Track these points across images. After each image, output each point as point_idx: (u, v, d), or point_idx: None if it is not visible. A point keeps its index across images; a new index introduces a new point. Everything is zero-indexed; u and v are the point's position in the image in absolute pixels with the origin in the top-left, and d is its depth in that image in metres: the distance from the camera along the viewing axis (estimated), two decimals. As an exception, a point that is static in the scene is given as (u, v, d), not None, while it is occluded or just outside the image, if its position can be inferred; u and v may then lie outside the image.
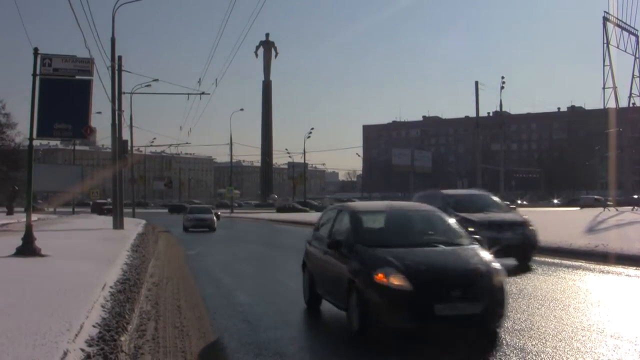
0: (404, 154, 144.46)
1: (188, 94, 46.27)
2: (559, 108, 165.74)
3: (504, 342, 7.92)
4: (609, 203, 61.28)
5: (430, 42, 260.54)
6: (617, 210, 55.74)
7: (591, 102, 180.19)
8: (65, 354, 6.34)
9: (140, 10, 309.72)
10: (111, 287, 11.07)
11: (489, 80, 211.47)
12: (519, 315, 9.54)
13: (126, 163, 39.17)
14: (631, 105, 64.76)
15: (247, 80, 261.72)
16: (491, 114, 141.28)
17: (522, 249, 16.44)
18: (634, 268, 15.48)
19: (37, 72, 17.08)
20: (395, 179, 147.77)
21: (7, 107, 62.52)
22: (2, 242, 20.31)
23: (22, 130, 60.58)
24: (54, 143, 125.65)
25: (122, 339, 8.07)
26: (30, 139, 17.50)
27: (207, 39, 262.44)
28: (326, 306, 10.13)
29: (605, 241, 20.12)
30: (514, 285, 12.64)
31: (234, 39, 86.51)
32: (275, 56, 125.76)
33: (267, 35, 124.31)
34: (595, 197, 78.76)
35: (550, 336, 8.23)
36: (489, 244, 10.17)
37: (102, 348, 7.19)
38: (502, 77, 77.65)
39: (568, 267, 16.18)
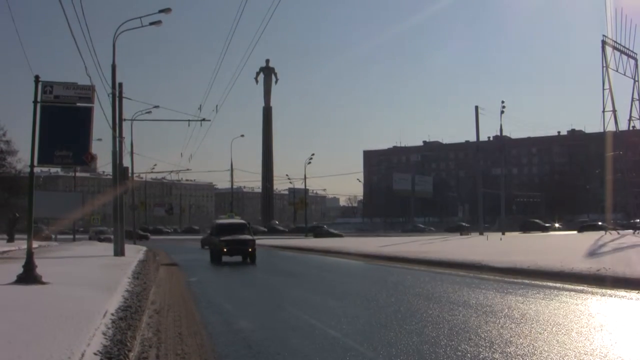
0: (404, 179, 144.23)
1: (189, 120, 46.30)
2: (559, 132, 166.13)
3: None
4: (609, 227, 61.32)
5: (429, 67, 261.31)
6: (618, 233, 55.70)
7: (591, 125, 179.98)
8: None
9: (141, 37, 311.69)
10: (112, 314, 11.04)
11: (489, 104, 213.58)
12: (521, 340, 9.52)
13: (127, 189, 39.23)
14: (631, 128, 64.83)
15: (248, 106, 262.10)
16: (491, 139, 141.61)
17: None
18: (637, 292, 15.45)
19: (38, 99, 17.16)
20: (396, 204, 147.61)
21: (8, 134, 62.59)
22: (3, 269, 20.29)
23: (23, 157, 60.49)
24: (55, 170, 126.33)
25: (124, 366, 8.04)
26: (32, 166, 17.53)
27: (207, 65, 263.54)
28: (323, 332, 10.00)
29: (607, 265, 20.09)
30: (516, 310, 12.63)
31: (234, 65, 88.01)
32: (276, 82, 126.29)
33: (267, 61, 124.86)
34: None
35: (554, 361, 8.20)
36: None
37: (104, 376, 7.16)
38: (502, 102, 78.39)
39: (570, 291, 16.15)
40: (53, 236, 66.06)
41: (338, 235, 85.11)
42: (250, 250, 31.23)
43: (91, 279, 17.62)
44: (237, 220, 39.20)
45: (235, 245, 31.27)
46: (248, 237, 31.90)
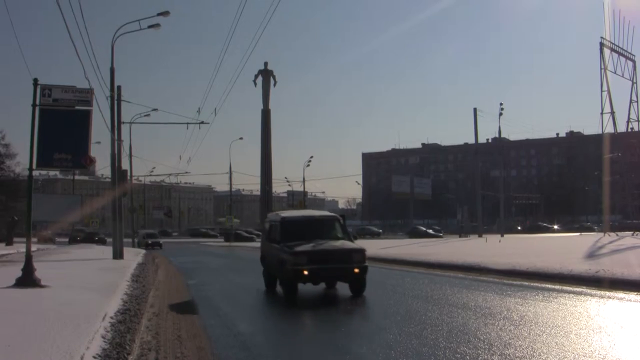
0: (403, 181, 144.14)
1: (187, 123, 46.09)
2: (557, 134, 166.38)
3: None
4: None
5: (427, 69, 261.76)
6: (617, 235, 55.70)
7: (590, 127, 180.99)
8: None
9: (139, 40, 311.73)
10: (111, 317, 11.04)
11: (488, 107, 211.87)
12: (520, 342, 9.52)
13: (125, 192, 39.20)
14: (629, 130, 65.00)
15: (247, 109, 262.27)
16: (490, 141, 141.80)
17: None
18: (635, 293, 15.45)
19: (37, 102, 17.17)
20: (395, 206, 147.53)
21: (6, 138, 62.72)
22: (2, 272, 20.27)
23: (21, 161, 60.66)
24: (54, 173, 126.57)
25: (123, 369, 8.04)
26: (30, 169, 17.54)
27: (206, 68, 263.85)
28: (322, 334, 10.00)
29: (606, 267, 20.09)
30: (514, 312, 12.62)
31: (233, 68, 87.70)
32: (274, 85, 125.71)
33: (266, 64, 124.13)
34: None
35: (553, 363, 8.20)
36: None
37: (103, 379, 7.16)
38: (501, 104, 78.29)
39: (569, 292, 16.14)
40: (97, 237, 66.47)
41: (436, 235, 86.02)
42: (356, 271, 16.51)
43: (90, 282, 17.61)
44: (317, 212, 22.24)
45: (328, 262, 16.42)
46: (348, 244, 17.29)
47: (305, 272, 16.04)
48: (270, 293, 18.26)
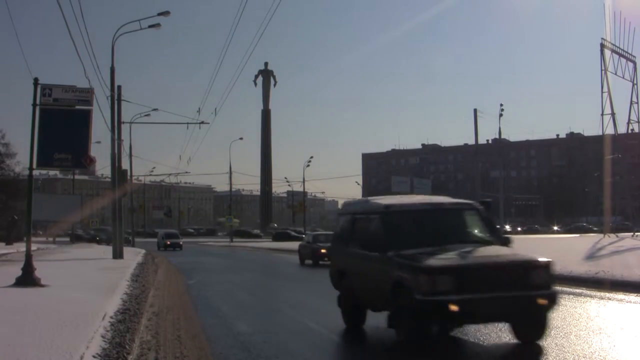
0: (403, 181, 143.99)
1: (187, 123, 45.97)
2: (557, 135, 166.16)
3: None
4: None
5: (428, 69, 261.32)
6: (617, 236, 55.64)
7: (590, 128, 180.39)
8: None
9: (140, 39, 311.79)
10: (111, 317, 11.04)
11: (488, 107, 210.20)
12: (519, 343, 9.50)
13: (125, 192, 39.21)
14: (630, 131, 64.88)
15: (247, 109, 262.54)
16: (490, 141, 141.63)
17: None
18: (635, 295, 15.44)
19: (37, 102, 17.16)
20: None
21: (6, 137, 62.62)
22: (2, 272, 20.25)
23: (21, 160, 60.57)
24: (54, 172, 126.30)
25: (123, 369, 8.04)
26: (30, 168, 17.55)
27: (206, 68, 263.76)
28: (321, 334, 9.99)
29: (605, 268, 20.08)
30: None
31: (233, 68, 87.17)
32: (274, 85, 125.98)
33: (266, 64, 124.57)
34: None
35: (552, 364, 8.20)
36: None
37: (102, 379, 7.16)
38: (501, 105, 77.90)
39: (569, 294, 16.11)
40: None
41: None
42: (541, 302, 9.21)
43: (90, 281, 17.61)
44: (440, 198, 12.37)
45: (491, 287, 8.78)
46: (515, 254, 10.11)
47: (454, 308, 8.52)
48: (355, 333, 11.15)
